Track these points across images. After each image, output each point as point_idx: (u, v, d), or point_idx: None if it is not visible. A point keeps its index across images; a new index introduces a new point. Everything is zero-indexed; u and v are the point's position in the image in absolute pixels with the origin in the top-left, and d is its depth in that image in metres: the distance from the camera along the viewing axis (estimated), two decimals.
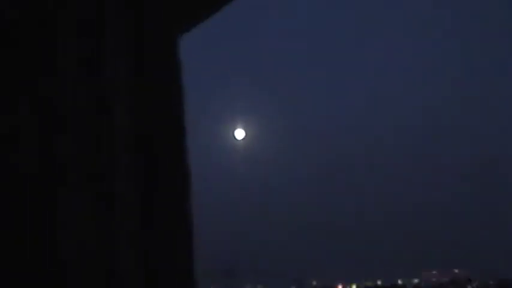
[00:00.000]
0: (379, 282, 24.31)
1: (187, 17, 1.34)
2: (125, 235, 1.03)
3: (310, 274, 25.38)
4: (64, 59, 1.06)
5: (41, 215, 1.00)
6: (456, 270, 24.42)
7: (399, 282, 23.97)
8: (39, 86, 1.05)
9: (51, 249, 0.98)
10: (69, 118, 1.04)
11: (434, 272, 24.95)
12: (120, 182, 1.04)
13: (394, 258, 28.13)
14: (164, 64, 1.15)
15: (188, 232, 1.11)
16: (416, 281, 24.20)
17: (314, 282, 24.77)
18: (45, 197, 1.00)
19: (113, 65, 1.08)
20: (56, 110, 1.04)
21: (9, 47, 1.08)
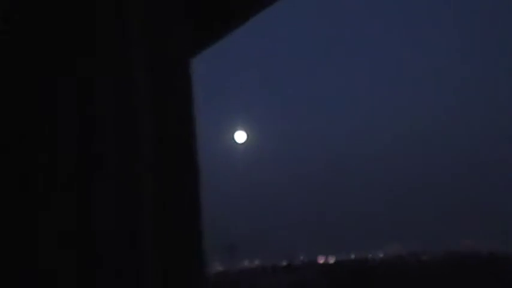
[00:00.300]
0: (352, 256, 25.76)
1: (199, 40, 1.40)
2: (146, 222, 1.07)
3: (298, 250, 27.47)
4: (98, 69, 1.08)
5: (77, 207, 1.02)
6: (413, 244, 25.33)
7: (369, 255, 25.25)
8: (76, 92, 1.06)
9: (86, 235, 1.01)
10: (102, 122, 1.07)
11: (395, 246, 25.81)
12: (142, 178, 1.09)
13: (364, 234, 30.22)
14: (177, 83, 1.20)
15: (198, 220, 1.16)
16: (381, 254, 25.46)
17: (301, 257, 26.17)
18: (82, 190, 1.03)
19: (135, 79, 1.12)
20: (91, 113, 1.06)
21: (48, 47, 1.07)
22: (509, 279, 15.39)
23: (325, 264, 25.13)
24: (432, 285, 16.32)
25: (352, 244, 27.72)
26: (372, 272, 20.89)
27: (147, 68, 1.15)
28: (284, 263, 25.97)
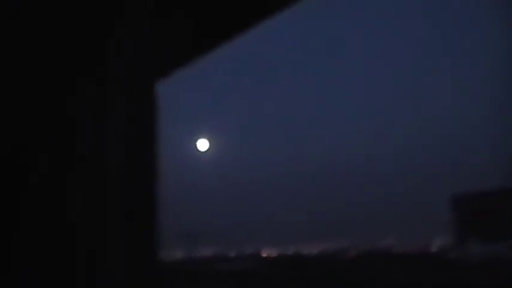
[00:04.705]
0: (290, 251, 26.16)
1: (165, 66, 1.35)
2: (114, 209, 1.06)
3: (245, 243, 27.90)
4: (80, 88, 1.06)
5: (56, 202, 0.99)
6: (343, 240, 26.05)
7: (305, 252, 25.53)
8: (61, 102, 1.03)
9: (63, 224, 0.98)
10: (82, 127, 1.05)
11: (328, 243, 26.48)
12: (111, 175, 1.07)
13: (300, 232, 30.35)
14: (143, 104, 1.18)
15: (155, 213, 1.14)
16: (315, 251, 25.70)
17: (249, 249, 26.80)
18: (58, 187, 1.00)
19: (111, 97, 1.11)
20: (72, 118, 1.04)
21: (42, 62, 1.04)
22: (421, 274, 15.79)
23: (268, 257, 25.41)
24: (357, 278, 16.63)
25: (291, 241, 27.92)
26: (305, 266, 21.42)
27: (121, 90, 1.15)
28: (233, 254, 26.19)
